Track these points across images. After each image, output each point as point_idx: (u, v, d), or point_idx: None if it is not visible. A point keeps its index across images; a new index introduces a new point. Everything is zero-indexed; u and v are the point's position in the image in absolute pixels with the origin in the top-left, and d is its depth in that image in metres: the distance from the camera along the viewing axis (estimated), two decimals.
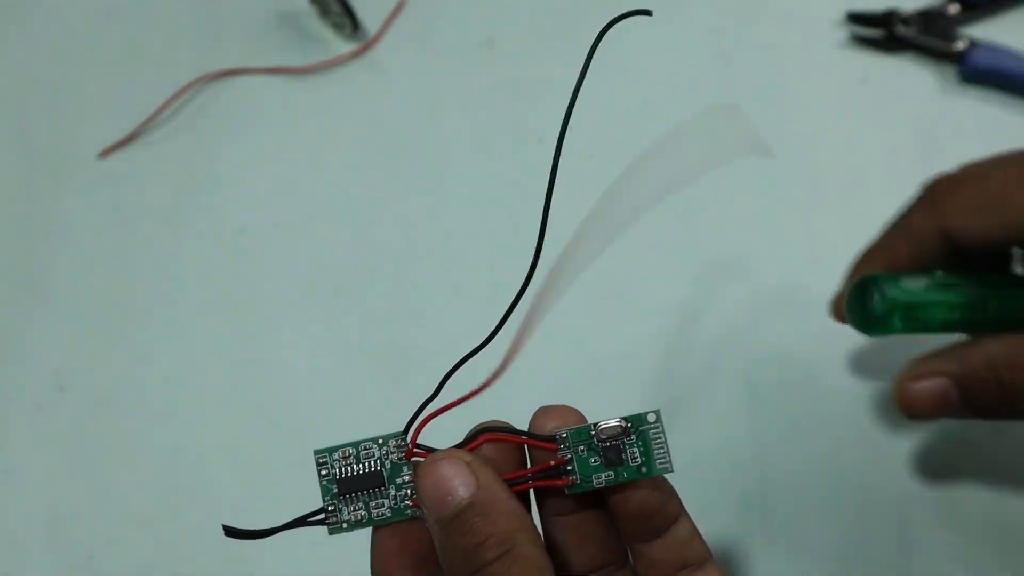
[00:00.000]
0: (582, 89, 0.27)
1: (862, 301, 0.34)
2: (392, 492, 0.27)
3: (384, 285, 0.47)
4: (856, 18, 0.50)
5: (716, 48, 0.51)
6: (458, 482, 0.24)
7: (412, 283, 0.47)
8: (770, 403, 0.43)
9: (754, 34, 0.51)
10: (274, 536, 0.26)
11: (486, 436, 0.26)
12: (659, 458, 0.26)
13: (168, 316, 0.47)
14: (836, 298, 0.38)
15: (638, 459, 0.26)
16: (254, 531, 0.26)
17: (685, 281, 0.45)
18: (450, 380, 0.27)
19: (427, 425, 0.27)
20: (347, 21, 0.52)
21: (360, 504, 0.27)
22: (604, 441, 0.26)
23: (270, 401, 0.44)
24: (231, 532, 0.26)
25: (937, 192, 0.33)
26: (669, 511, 0.27)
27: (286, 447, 0.43)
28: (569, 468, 0.26)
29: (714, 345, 0.44)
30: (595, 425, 0.26)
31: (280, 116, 0.52)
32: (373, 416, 0.44)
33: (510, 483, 0.26)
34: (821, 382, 0.43)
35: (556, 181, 0.30)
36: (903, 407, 0.33)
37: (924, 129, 0.48)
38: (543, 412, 0.27)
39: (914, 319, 0.33)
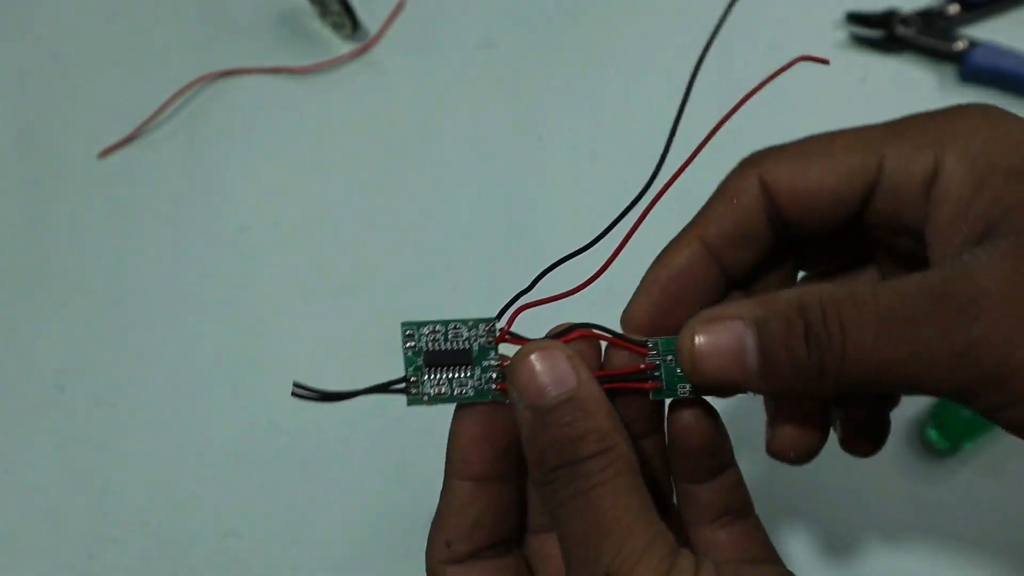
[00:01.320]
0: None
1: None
2: (477, 372, 0.26)
3: (384, 285, 0.47)
4: (856, 18, 0.50)
5: (716, 48, 0.51)
6: (560, 373, 0.24)
7: (412, 283, 0.47)
8: None
9: (754, 34, 0.51)
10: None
11: (581, 332, 0.26)
12: None
13: (168, 316, 0.46)
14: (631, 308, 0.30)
15: None
16: (328, 392, 0.26)
17: None
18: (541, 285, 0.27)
19: (518, 317, 0.27)
20: (347, 21, 0.52)
21: (443, 379, 0.27)
22: None
23: (270, 401, 0.44)
24: (301, 392, 0.26)
25: (759, 153, 0.28)
26: (724, 451, 0.27)
27: (286, 447, 0.43)
28: (656, 374, 0.26)
29: None
30: None
31: (280, 116, 0.52)
32: (373, 415, 0.44)
33: (603, 380, 0.25)
34: None
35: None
36: (687, 363, 0.25)
37: None
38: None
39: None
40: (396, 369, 0.46)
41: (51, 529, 0.42)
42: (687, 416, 0.27)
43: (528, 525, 0.29)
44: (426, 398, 0.27)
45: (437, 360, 0.27)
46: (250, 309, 0.46)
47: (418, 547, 0.41)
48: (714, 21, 0.45)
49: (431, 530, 0.28)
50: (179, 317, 0.46)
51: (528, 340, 0.26)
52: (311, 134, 0.51)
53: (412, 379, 0.27)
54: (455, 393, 0.27)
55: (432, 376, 0.27)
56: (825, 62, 0.27)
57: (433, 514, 0.43)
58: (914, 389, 0.23)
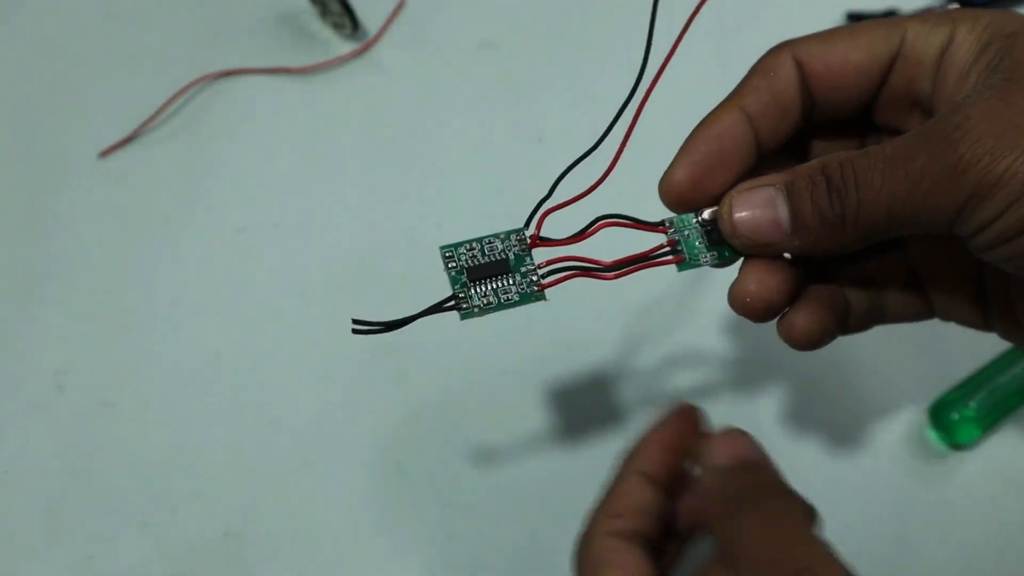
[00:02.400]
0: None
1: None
2: (518, 279, 0.29)
3: (384, 285, 0.47)
4: (856, 18, 0.50)
5: (716, 48, 0.51)
6: (745, 448, 0.30)
7: (411, 283, 0.47)
8: None
9: (754, 34, 0.51)
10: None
11: (603, 223, 0.29)
12: None
13: (168, 316, 0.46)
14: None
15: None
16: (384, 323, 0.29)
17: None
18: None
19: (544, 222, 0.29)
20: (347, 21, 0.52)
21: (488, 290, 0.29)
22: (706, 225, 0.29)
23: (270, 400, 0.44)
24: (361, 328, 0.29)
25: (791, 40, 0.31)
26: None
27: (287, 447, 0.43)
28: (679, 249, 0.29)
29: None
30: (697, 212, 0.29)
31: (280, 116, 0.52)
32: (373, 415, 0.44)
33: (630, 263, 0.29)
34: None
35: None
36: (727, 227, 0.29)
37: None
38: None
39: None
40: (397, 362, 0.46)
41: (50, 529, 0.42)
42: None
43: None
44: (476, 309, 0.29)
45: (479, 273, 0.29)
46: (250, 309, 0.46)
47: (418, 547, 0.41)
48: (714, 21, 0.46)
49: (596, 509, 0.30)
50: (179, 317, 0.46)
51: (558, 240, 0.29)
52: (311, 134, 0.51)
53: (460, 295, 0.29)
54: (502, 300, 0.29)
55: (477, 289, 0.29)
56: None
57: (432, 514, 0.43)
58: (919, 221, 0.26)
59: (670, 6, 0.30)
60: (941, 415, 0.41)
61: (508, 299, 0.29)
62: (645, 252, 0.29)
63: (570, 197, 0.29)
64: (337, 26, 0.53)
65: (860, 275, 0.32)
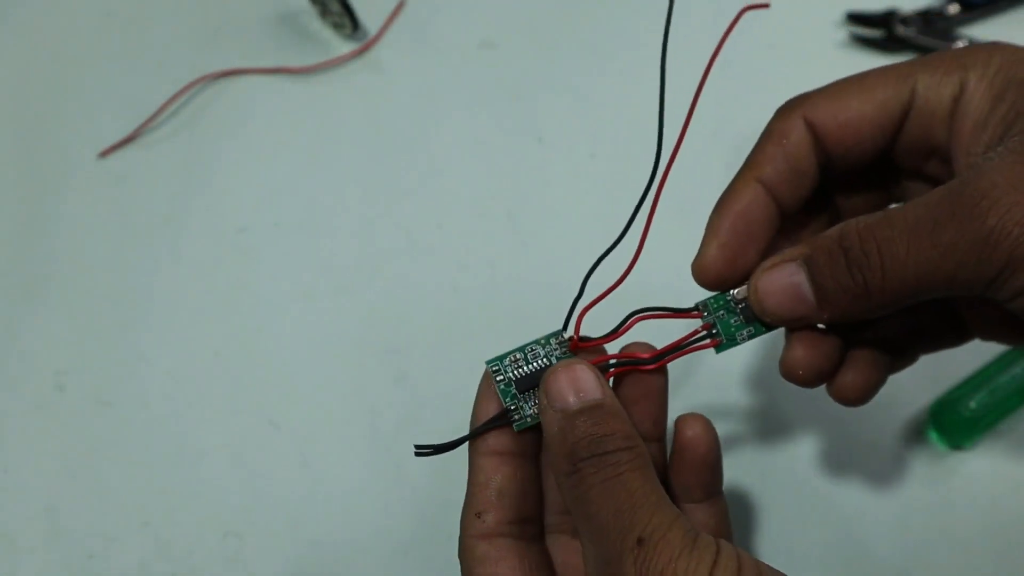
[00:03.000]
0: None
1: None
2: None
3: (384, 285, 0.47)
4: (856, 18, 0.50)
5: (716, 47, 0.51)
6: (587, 385, 0.27)
7: (411, 282, 0.47)
8: None
9: (754, 34, 0.51)
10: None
11: (637, 318, 0.29)
12: None
13: (168, 316, 0.46)
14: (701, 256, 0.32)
15: None
16: (443, 445, 0.30)
17: None
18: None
19: (581, 322, 0.30)
20: (347, 21, 0.52)
21: (537, 400, 0.29)
22: (740, 303, 0.30)
23: (270, 401, 0.44)
24: (423, 451, 0.30)
25: (799, 97, 0.31)
26: (719, 471, 0.31)
27: (286, 447, 0.43)
28: (715, 332, 0.30)
29: None
30: (729, 293, 0.30)
31: (280, 116, 0.52)
32: (374, 415, 0.44)
33: (670, 351, 0.30)
34: None
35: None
36: (756, 305, 0.29)
37: None
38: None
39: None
40: (397, 362, 0.46)
41: (51, 529, 0.42)
42: (695, 428, 0.30)
43: (545, 526, 0.32)
44: (529, 419, 0.29)
45: (527, 384, 0.29)
46: (250, 309, 0.46)
47: (418, 546, 0.41)
48: (714, 22, 0.46)
49: (463, 509, 0.30)
50: (179, 317, 0.46)
51: (597, 340, 0.30)
52: (311, 134, 0.51)
53: (512, 407, 0.29)
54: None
55: (528, 400, 0.29)
56: (765, 6, 0.30)
57: (431, 514, 0.43)
58: (950, 288, 0.25)
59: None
60: (941, 415, 0.41)
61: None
62: (682, 339, 0.30)
63: (600, 293, 0.29)
64: (337, 26, 0.53)
65: (900, 329, 0.32)
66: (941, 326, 0.33)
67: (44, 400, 0.45)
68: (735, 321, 0.30)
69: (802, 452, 0.42)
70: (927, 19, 0.49)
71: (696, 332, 0.30)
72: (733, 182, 0.31)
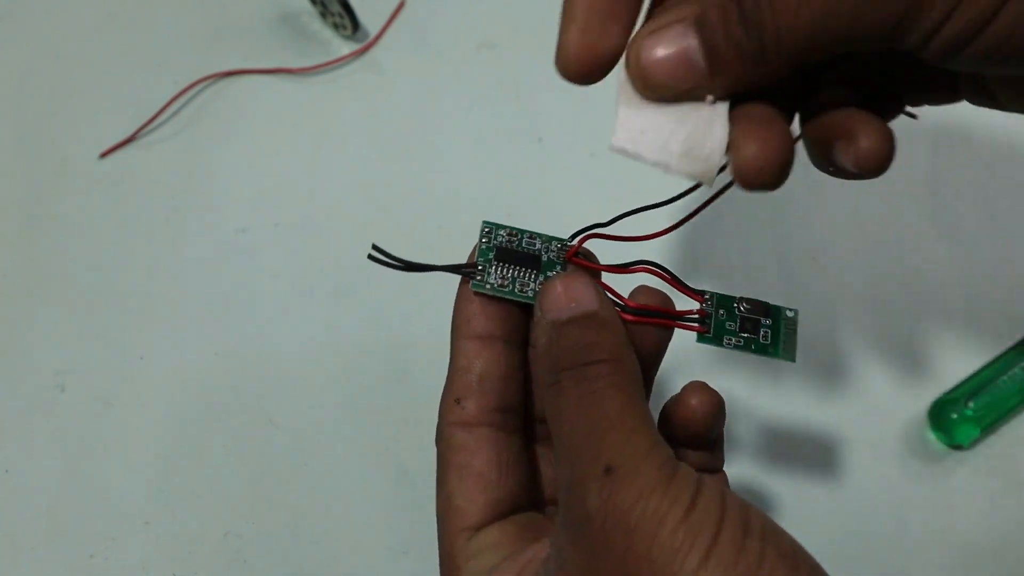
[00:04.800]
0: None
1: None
2: (541, 280, 0.29)
3: (384, 285, 0.47)
4: None
5: None
6: (582, 295, 0.26)
7: (412, 283, 0.47)
8: None
9: None
10: None
11: (646, 268, 0.29)
12: (786, 346, 0.29)
13: (168, 316, 0.47)
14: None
15: (768, 339, 0.29)
16: (401, 260, 0.29)
17: None
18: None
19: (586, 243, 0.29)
20: (347, 22, 0.52)
21: (508, 276, 0.29)
22: (745, 312, 0.29)
23: (270, 401, 0.44)
24: (377, 256, 0.29)
25: None
26: (718, 430, 0.29)
27: (286, 447, 0.43)
28: (707, 322, 0.29)
29: None
30: (740, 298, 0.29)
31: (280, 116, 0.52)
32: (373, 415, 0.44)
33: (654, 315, 0.28)
34: None
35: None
36: (638, 78, 0.25)
37: (924, 129, 0.48)
38: None
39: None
40: (397, 362, 0.46)
41: (51, 529, 0.42)
42: (698, 400, 0.28)
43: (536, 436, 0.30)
44: (488, 287, 0.29)
45: (507, 257, 0.29)
46: (250, 309, 0.46)
47: (418, 547, 0.41)
48: None
49: (442, 395, 0.28)
50: (179, 317, 0.46)
51: (596, 264, 0.29)
52: (311, 134, 0.51)
53: (480, 267, 0.29)
54: (515, 290, 0.29)
55: (499, 270, 0.29)
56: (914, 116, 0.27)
57: (431, 514, 0.43)
58: (853, 40, 0.22)
59: None
60: (941, 415, 0.41)
61: (523, 292, 0.28)
62: (673, 311, 0.29)
63: (628, 235, 0.28)
64: (337, 27, 0.53)
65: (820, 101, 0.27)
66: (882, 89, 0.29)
67: (44, 400, 0.45)
68: (730, 326, 0.29)
69: (802, 451, 0.42)
70: None
71: (690, 312, 0.29)
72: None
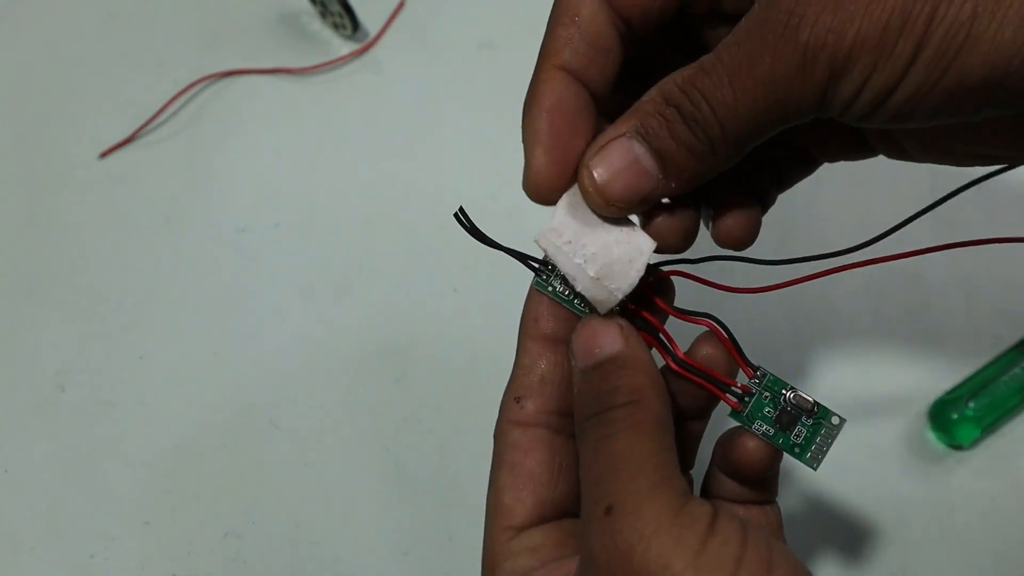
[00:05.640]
0: None
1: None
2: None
3: (384, 285, 0.47)
4: None
5: None
6: (606, 339, 0.26)
7: (412, 283, 0.47)
8: None
9: None
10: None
11: (710, 323, 0.28)
12: (815, 453, 0.27)
13: (168, 316, 0.46)
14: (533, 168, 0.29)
15: (800, 439, 0.27)
16: (478, 230, 0.28)
17: None
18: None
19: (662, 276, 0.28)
20: (347, 21, 0.52)
21: (572, 290, 0.28)
22: (788, 404, 0.28)
23: (270, 401, 0.44)
24: (460, 218, 0.28)
25: None
26: (772, 479, 0.29)
27: (286, 447, 0.43)
28: (747, 400, 0.28)
29: None
30: (791, 387, 0.28)
31: (280, 116, 0.52)
32: (373, 415, 0.44)
33: (692, 370, 0.27)
34: None
35: None
36: (596, 198, 0.26)
37: None
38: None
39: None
40: (397, 362, 0.46)
41: (51, 529, 0.42)
42: (755, 444, 0.28)
43: None
44: (551, 289, 0.28)
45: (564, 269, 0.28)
46: (250, 309, 0.46)
47: (417, 547, 0.41)
48: None
49: (505, 390, 0.28)
50: (179, 317, 0.46)
51: (661, 302, 0.28)
52: (311, 134, 0.51)
53: (550, 268, 0.28)
54: (573, 301, 0.28)
55: (566, 283, 0.28)
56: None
57: (431, 514, 0.43)
58: (786, 117, 0.24)
59: None
60: (941, 415, 0.41)
61: (582, 308, 0.28)
62: (720, 376, 0.28)
63: (710, 279, 0.28)
64: (337, 26, 0.53)
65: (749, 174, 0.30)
66: (786, 161, 0.31)
67: (44, 400, 0.45)
68: (767, 411, 0.28)
69: None
70: None
71: (734, 384, 0.28)
72: (535, 77, 0.27)
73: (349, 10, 0.51)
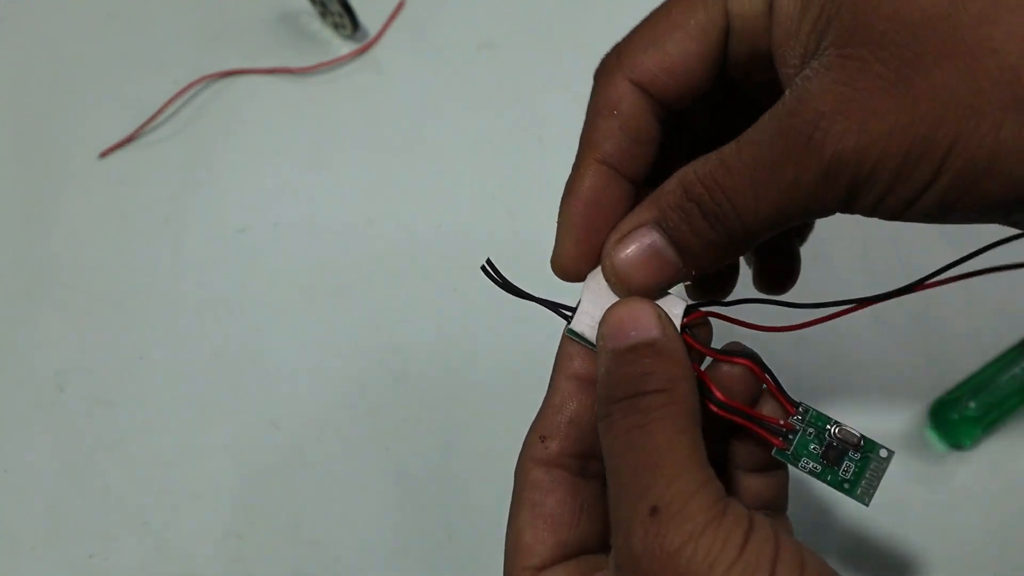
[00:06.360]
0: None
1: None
2: None
3: (384, 285, 0.47)
4: None
5: None
6: (644, 323, 0.25)
7: (412, 283, 0.47)
8: None
9: None
10: None
11: (748, 363, 0.27)
12: (866, 488, 0.27)
13: (168, 316, 0.46)
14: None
15: (849, 474, 0.27)
16: (505, 281, 0.29)
17: None
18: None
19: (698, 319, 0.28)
20: (347, 21, 0.52)
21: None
22: (834, 439, 0.27)
23: (270, 401, 0.44)
24: (490, 269, 0.29)
25: (613, 55, 0.28)
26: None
27: (286, 447, 0.43)
28: (790, 437, 0.27)
29: None
30: (836, 422, 0.27)
31: (280, 116, 0.52)
32: (373, 415, 0.44)
33: (733, 411, 0.27)
34: None
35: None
36: (619, 284, 0.27)
37: None
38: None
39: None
40: (397, 362, 0.46)
41: (51, 529, 0.42)
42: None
43: None
44: (579, 332, 0.28)
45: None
46: (250, 309, 0.46)
47: (417, 547, 0.41)
48: None
49: (531, 425, 0.28)
50: (179, 317, 0.46)
51: (698, 344, 0.27)
52: (311, 134, 0.51)
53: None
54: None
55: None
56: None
57: (431, 514, 0.43)
58: (812, 216, 0.25)
59: None
60: (941, 415, 0.41)
61: None
62: (759, 414, 0.27)
63: (743, 319, 0.28)
64: (337, 26, 0.53)
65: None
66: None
67: (44, 400, 0.45)
68: (814, 448, 0.27)
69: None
70: None
71: (776, 420, 0.27)
72: (575, 168, 0.28)
73: (349, 10, 0.51)
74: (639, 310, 0.26)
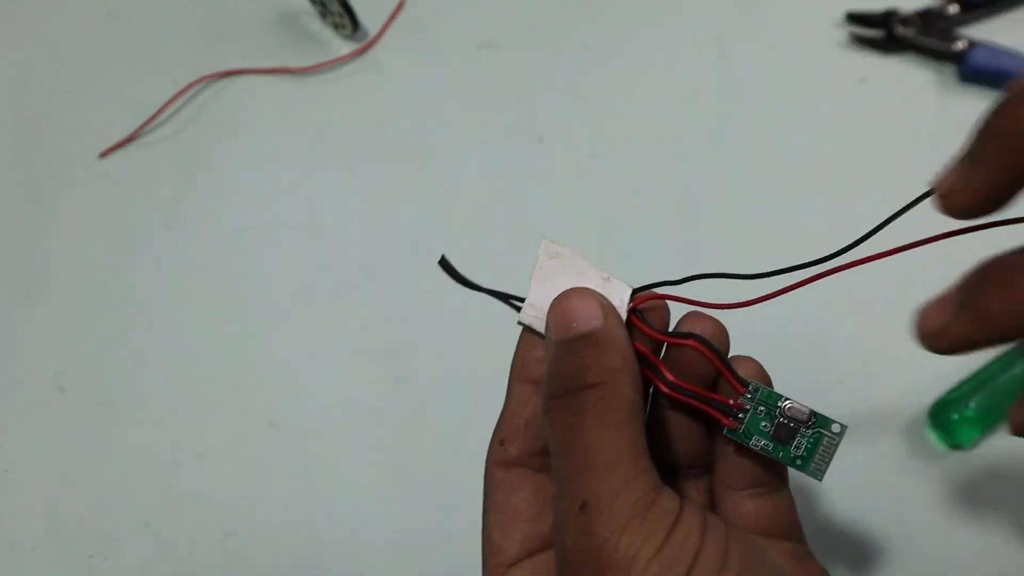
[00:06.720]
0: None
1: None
2: None
3: (384, 285, 0.47)
4: (855, 18, 0.50)
5: (716, 48, 0.51)
6: (584, 314, 0.25)
7: (412, 283, 0.47)
8: None
9: (754, 34, 0.51)
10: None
11: (695, 343, 0.26)
12: (818, 463, 0.27)
13: (168, 316, 0.47)
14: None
15: (801, 451, 0.27)
16: (463, 277, 0.29)
17: None
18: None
19: (652, 301, 0.27)
20: (347, 21, 0.52)
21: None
22: (784, 417, 0.27)
23: (269, 401, 0.44)
24: (446, 264, 0.29)
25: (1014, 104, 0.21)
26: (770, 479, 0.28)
27: (286, 447, 0.43)
28: (741, 416, 0.27)
29: None
30: (786, 398, 0.27)
31: (280, 116, 0.52)
32: (373, 415, 0.44)
33: (683, 392, 0.26)
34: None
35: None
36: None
37: (923, 129, 0.48)
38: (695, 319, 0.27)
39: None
40: (397, 362, 0.46)
41: (51, 529, 0.42)
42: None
43: None
44: (526, 320, 0.28)
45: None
46: (250, 309, 0.46)
47: (418, 546, 0.41)
48: (713, 23, 0.46)
49: (492, 433, 0.28)
50: (179, 317, 0.46)
51: (646, 326, 0.27)
52: (311, 134, 0.51)
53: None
54: None
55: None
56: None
57: (431, 514, 0.43)
58: None
59: None
60: (941, 415, 0.41)
61: None
62: (710, 394, 0.27)
63: (695, 298, 0.27)
64: (337, 26, 0.53)
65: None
66: None
67: (44, 400, 0.45)
68: (764, 426, 0.27)
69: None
70: (927, 19, 0.49)
71: (726, 400, 0.27)
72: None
73: (349, 10, 0.51)
74: (579, 300, 0.26)
